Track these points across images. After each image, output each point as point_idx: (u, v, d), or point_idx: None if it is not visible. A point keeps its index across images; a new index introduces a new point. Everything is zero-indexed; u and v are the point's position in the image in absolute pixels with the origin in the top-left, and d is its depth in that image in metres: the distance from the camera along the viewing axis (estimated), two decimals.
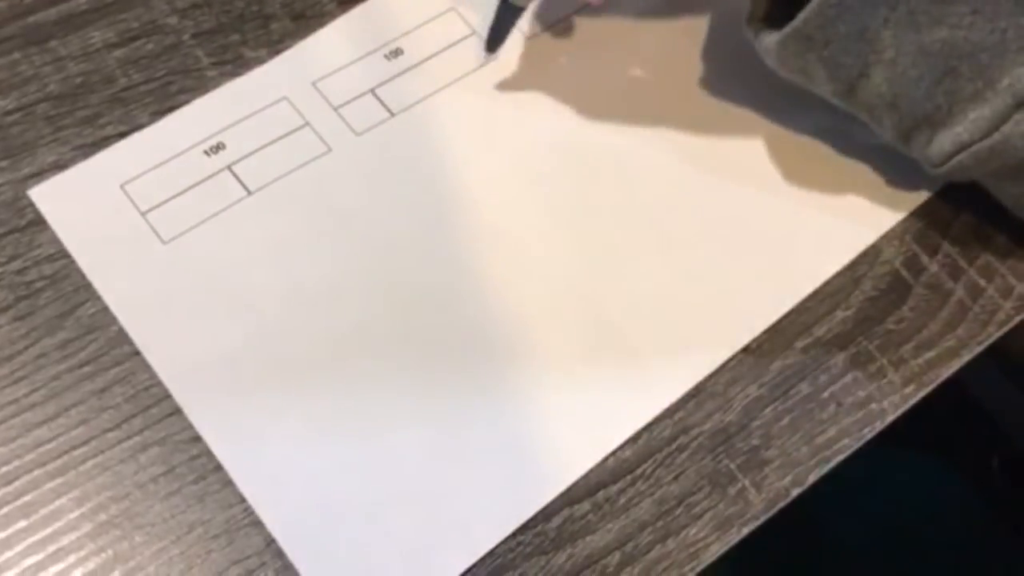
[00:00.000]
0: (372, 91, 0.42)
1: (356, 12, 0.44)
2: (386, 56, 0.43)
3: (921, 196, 0.42)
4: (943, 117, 0.36)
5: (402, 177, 0.41)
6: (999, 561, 0.74)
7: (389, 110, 0.42)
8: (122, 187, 0.39)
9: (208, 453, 0.35)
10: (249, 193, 0.39)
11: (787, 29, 0.36)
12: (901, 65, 0.36)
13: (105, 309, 0.37)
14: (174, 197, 0.39)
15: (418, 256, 0.39)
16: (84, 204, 0.39)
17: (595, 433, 0.36)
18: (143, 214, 0.39)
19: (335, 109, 0.41)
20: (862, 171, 0.42)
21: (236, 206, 0.39)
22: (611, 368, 0.37)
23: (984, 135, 0.35)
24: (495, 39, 0.42)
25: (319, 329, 0.37)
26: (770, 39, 0.37)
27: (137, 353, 0.36)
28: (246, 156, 0.40)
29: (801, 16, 0.36)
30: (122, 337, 0.36)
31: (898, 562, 0.72)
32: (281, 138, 0.41)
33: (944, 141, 0.36)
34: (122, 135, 0.40)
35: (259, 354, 0.37)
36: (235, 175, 0.40)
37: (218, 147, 0.40)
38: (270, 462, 0.35)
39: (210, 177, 0.40)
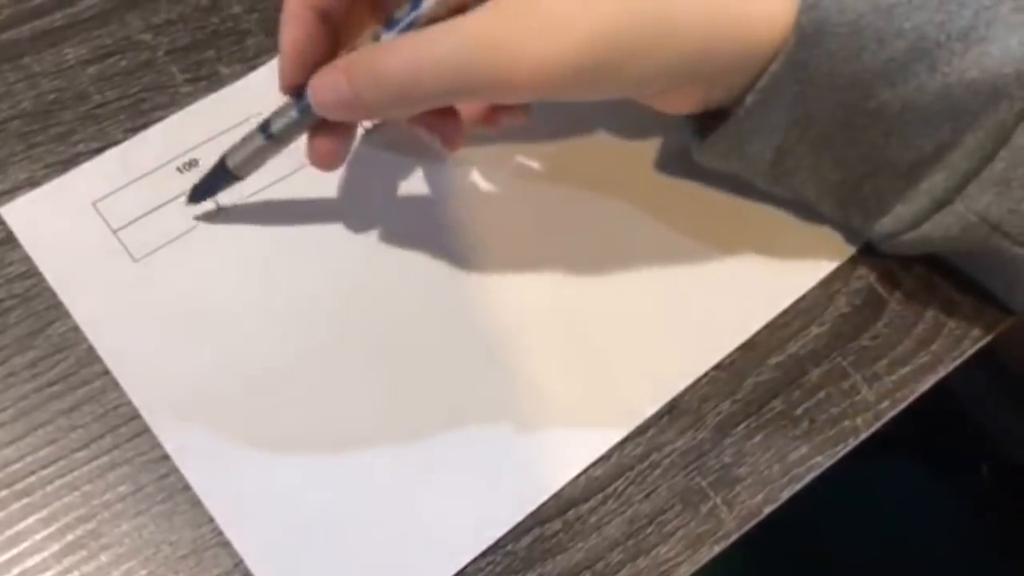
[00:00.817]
0: None
1: None
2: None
3: None
4: (872, 207, 0.37)
5: (376, 190, 0.40)
6: (989, 569, 0.73)
7: (362, 124, 0.42)
8: (94, 204, 0.39)
9: (176, 472, 0.35)
10: (221, 209, 0.39)
11: (704, 144, 0.37)
12: (822, 170, 0.37)
13: (75, 328, 0.37)
14: (146, 215, 0.39)
15: (391, 272, 0.39)
16: (56, 222, 0.39)
17: (566, 451, 0.36)
18: (115, 232, 0.39)
19: None
20: None
21: (208, 224, 0.39)
22: (583, 385, 0.37)
23: (908, 228, 0.36)
24: (201, 192, 0.39)
25: (290, 347, 0.37)
26: (691, 143, 0.38)
27: (107, 372, 0.36)
28: None
29: (710, 139, 0.36)
30: (92, 356, 0.36)
31: (887, 571, 0.72)
32: None
33: (878, 227, 0.37)
34: (95, 152, 0.40)
35: (229, 373, 0.37)
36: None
37: (191, 164, 0.40)
38: (238, 482, 0.35)
39: (182, 194, 0.39)
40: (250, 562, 0.33)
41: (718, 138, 0.36)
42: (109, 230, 0.39)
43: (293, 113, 0.35)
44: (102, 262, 0.38)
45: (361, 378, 0.37)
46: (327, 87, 0.33)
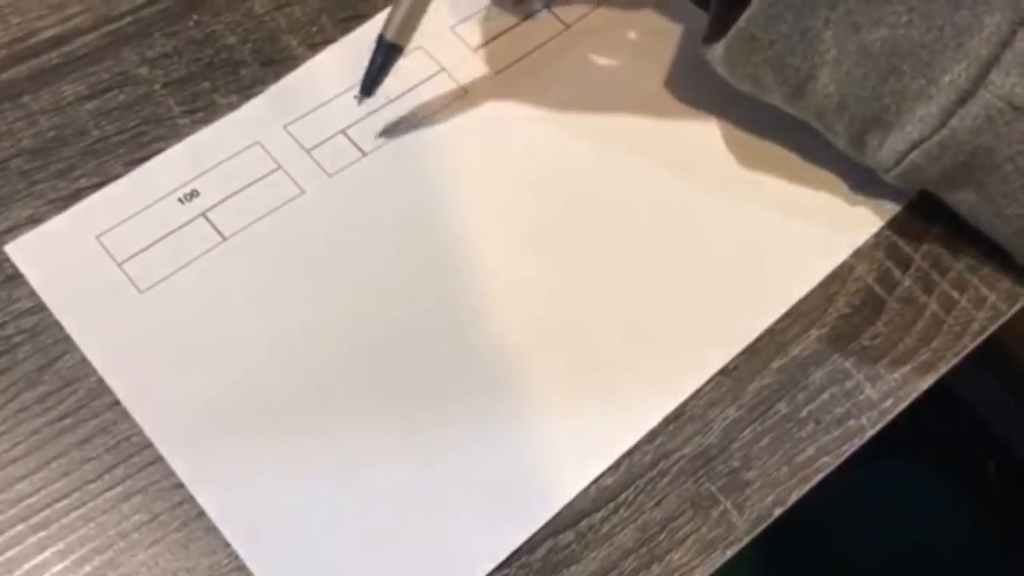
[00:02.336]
0: (343, 131, 0.42)
1: (325, 54, 0.44)
2: (356, 96, 0.43)
3: (891, 210, 0.42)
4: (892, 117, 0.37)
5: (376, 215, 0.41)
6: (997, 567, 0.74)
7: (361, 150, 0.42)
8: (98, 238, 0.39)
9: (191, 500, 0.35)
10: (224, 239, 0.40)
11: (732, 31, 0.37)
12: (845, 65, 0.36)
13: (84, 361, 0.37)
14: (150, 246, 0.39)
15: (395, 293, 0.39)
16: (61, 257, 0.39)
17: (577, 462, 0.37)
18: (119, 264, 0.39)
19: (307, 151, 0.42)
20: (831, 189, 0.42)
21: (212, 252, 0.40)
22: (589, 396, 0.38)
23: (932, 131, 0.36)
24: (372, 81, 0.41)
25: (298, 371, 0.37)
26: (718, 47, 0.38)
27: (117, 403, 0.36)
28: (220, 202, 0.40)
29: (744, 16, 0.37)
30: (102, 388, 0.37)
31: (896, 570, 0.72)
32: (254, 182, 0.41)
33: (896, 141, 0.37)
34: (96, 187, 0.41)
35: (239, 399, 0.37)
36: (210, 221, 0.40)
37: (192, 194, 0.41)
38: (253, 507, 0.35)
39: (185, 225, 0.40)
40: None
41: (752, 16, 0.36)
42: (114, 263, 0.39)
43: None
44: (108, 295, 0.38)
45: (369, 398, 0.37)
46: None
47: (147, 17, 0.45)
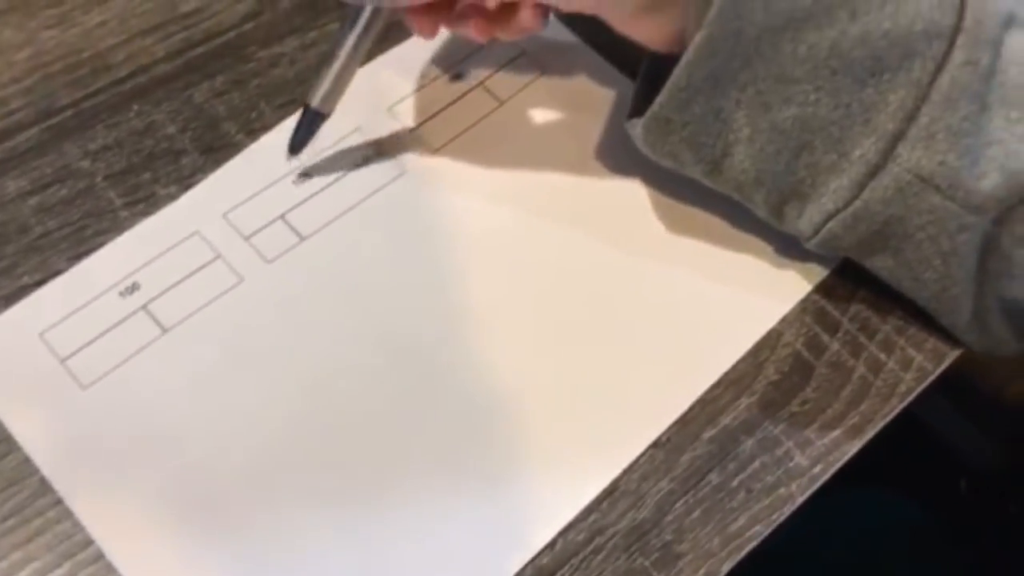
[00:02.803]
0: (282, 217, 0.43)
1: (263, 141, 0.45)
2: (294, 181, 0.44)
3: (819, 275, 0.43)
4: (807, 189, 0.38)
5: (314, 299, 0.42)
6: None
7: (299, 234, 0.43)
8: (41, 335, 0.40)
9: None
10: (164, 331, 0.41)
11: (647, 114, 0.38)
12: (758, 143, 0.38)
13: (27, 460, 0.38)
14: (92, 341, 0.40)
15: (336, 374, 0.40)
16: (3, 356, 0.40)
17: (514, 543, 0.37)
18: (62, 361, 0.40)
19: (246, 239, 0.43)
20: (758, 255, 0.43)
21: (153, 345, 0.40)
22: (528, 475, 0.39)
23: (846, 203, 0.38)
24: (298, 143, 0.43)
25: (241, 460, 0.38)
26: (638, 125, 0.39)
27: (60, 502, 0.37)
28: (160, 294, 0.41)
29: (657, 101, 0.38)
30: (45, 487, 0.37)
31: None
32: (194, 273, 0.42)
33: (812, 212, 0.39)
34: (39, 283, 0.41)
35: (182, 493, 0.38)
36: (150, 314, 0.41)
37: (133, 287, 0.41)
38: None
39: (126, 319, 0.41)
40: None
41: (664, 101, 0.38)
42: (56, 359, 0.40)
43: (348, 27, 0.40)
44: (51, 391, 0.39)
45: (314, 483, 0.38)
46: None
47: (88, 109, 0.46)
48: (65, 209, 0.43)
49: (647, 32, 0.39)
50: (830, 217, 0.38)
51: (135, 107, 0.46)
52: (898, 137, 0.36)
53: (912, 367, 0.42)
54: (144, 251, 0.42)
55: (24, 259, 0.42)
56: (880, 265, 0.40)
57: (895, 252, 0.39)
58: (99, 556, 0.36)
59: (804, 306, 0.43)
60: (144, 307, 0.41)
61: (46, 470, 0.38)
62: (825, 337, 0.42)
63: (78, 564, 0.36)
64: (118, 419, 0.39)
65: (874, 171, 0.37)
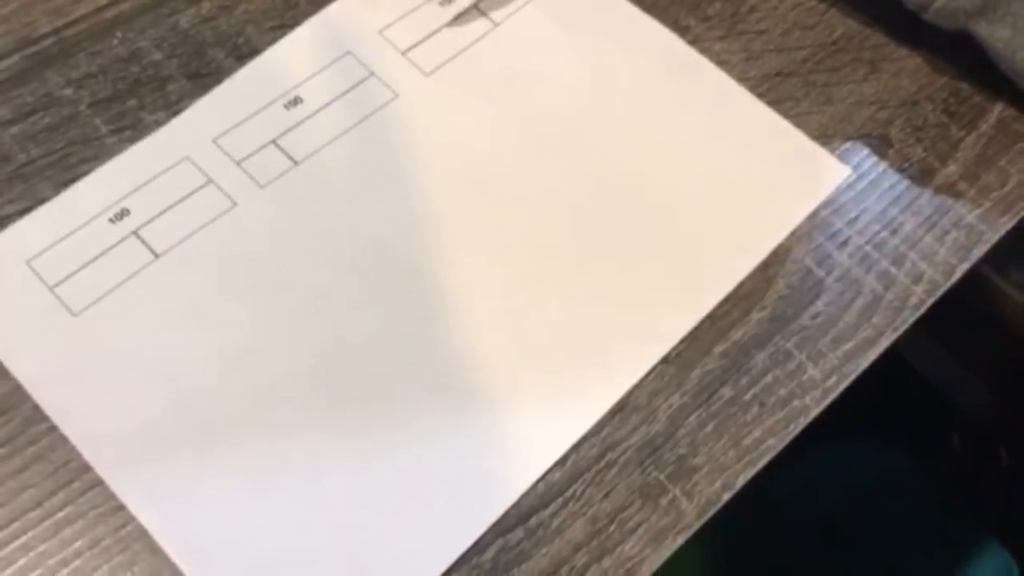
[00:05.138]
0: (274, 142, 0.42)
1: (252, 65, 0.44)
2: (285, 106, 0.43)
3: (826, 190, 0.42)
4: None
5: (309, 224, 0.41)
6: (964, 539, 0.74)
7: (292, 159, 0.42)
8: (28, 263, 0.39)
9: (133, 522, 0.35)
10: (157, 256, 0.39)
11: None
12: None
13: (18, 388, 0.37)
14: (82, 268, 0.39)
15: (332, 300, 0.39)
16: None
17: (522, 459, 0.36)
18: (51, 288, 0.38)
19: (237, 163, 0.41)
20: (765, 173, 0.43)
21: (145, 271, 0.39)
22: (534, 393, 0.38)
23: None
24: None
25: (237, 386, 0.37)
26: None
27: (54, 429, 0.36)
28: (151, 220, 0.40)
29: None
30: (38, 415, 0.36)
31: (862, 552, 0.72)
32: (185, 198, 0.41)
33: None
34: (25, 211, 0.40)
35: (179, 417, 0.36)
36: (141, 239, 0.40)
37: (123, 213, 0.40)
38: (198, 525, 0.35)
39: (116, 244, 0.39)
40: None
41: None
42: (46, 287, 0.38)
43: None
44: (42, 319, 0.38)
45: (311, 410, 0.37)
46: None
47: (70, 37, 0.44)
48: (49, 137, 0.42)
49: None
50: None
51: (118, 34, 0.45)
52: None
53: (923, 280, 0.41)
54: (133, 177, 0.41)
55: (8, 188, 0.41)
56: (997, 36, 0.40)
57: (1015, 18, 0.40)
58: (95, 483, 0.35)
59: (813, 221, 0.42)
60: (135, 232, 0.40)
61: (39, 397, 0.36)
62: (834, 252, 0.41)
63: (74, 491, 0.35)
64: (110, 346, 0.38)
65: None
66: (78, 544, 0.34)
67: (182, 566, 0.34)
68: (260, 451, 0.36)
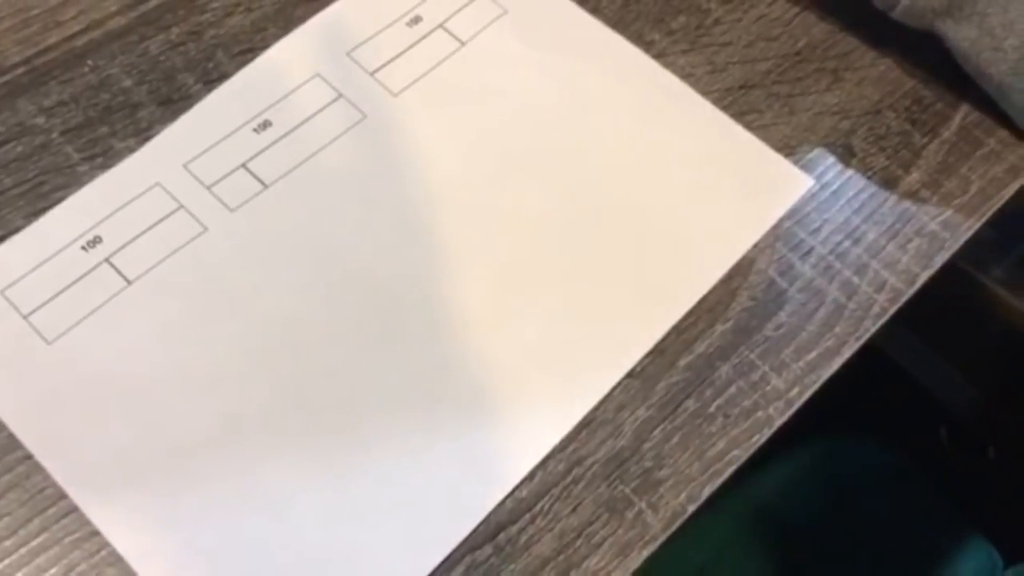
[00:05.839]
0: (243, 165, 0.43)
1: (221, 90, 0.45)
2: (255, 129, 0.44)
3: (789, 201, 0.43)
4: None
5: (279, 246, 0.41)
6: (948, 534, 0.74)
7: (262, 182, 0.42)
8: (2, 293, 0.39)
9: (108, 548, 0.35)
10: (129, 283, 0.40)
11: None
12: None
13: None
14: (55, 296, 0.39)
15: (303, 322, 0.40)
16: None
17: (493, 475, 0.37)
18: (25, 317, 0.39)
19: (208, 188, 0.42)
20: (729, 186, 0.43)
21: (117, 297, 0.40)
22: (503, 409, 0.38)
23: None
24: None
25: (208, 410, 0.38)
26: None
27: (29, 457, 0.36)
28: (123, 246, 0.41)
29: None
30: (12, 443, 0.37)
31: (849, 549, 0.73)
32: (156, 224, 0.41)
33: None
34: None
35: (152, 443, 0.37)
36: (113, 267, 0.40)
37: (95, 241, 0.41)
38: (172, 549, 0.35)
39: (89, 272, 0.40)
40: None
41: None
42: (20, 316, 0.39)
43: None
44: (16, 348, 0.38)
45: (284, 429, 0.37)
46: None
47: (41, 66, 0.45)
48: (21, 166, 0.42)
49: None
50: None
51: (89, 62, 0.45)
52: None
53: (885, 288, 0.42)
54: (104, 204, 0.41)
55: None
56: (963, 36, 0.41)
57: (981, 18, 0.40)
58: (71, 510, 0.36)
59: (776, 232, 0.42)
60: (107, 259, 0.40)
61: (14, 426, 0.37)
62: (797, 262, 0.42)
63: (49, 518, 0.36)
64: (84, 373, 0.38)
65: None
66: (54, 570, 0.35)
67: None
68: (236, 476, 0.37)
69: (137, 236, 0.41)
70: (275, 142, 0.43)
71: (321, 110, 0.44)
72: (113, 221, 0.41)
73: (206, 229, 0.41)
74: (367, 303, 0.40)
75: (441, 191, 0.43)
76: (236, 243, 0.41)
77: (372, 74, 0.45)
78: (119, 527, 0.36)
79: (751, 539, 0.69)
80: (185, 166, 0.42)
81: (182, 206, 0.41)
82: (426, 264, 0.41)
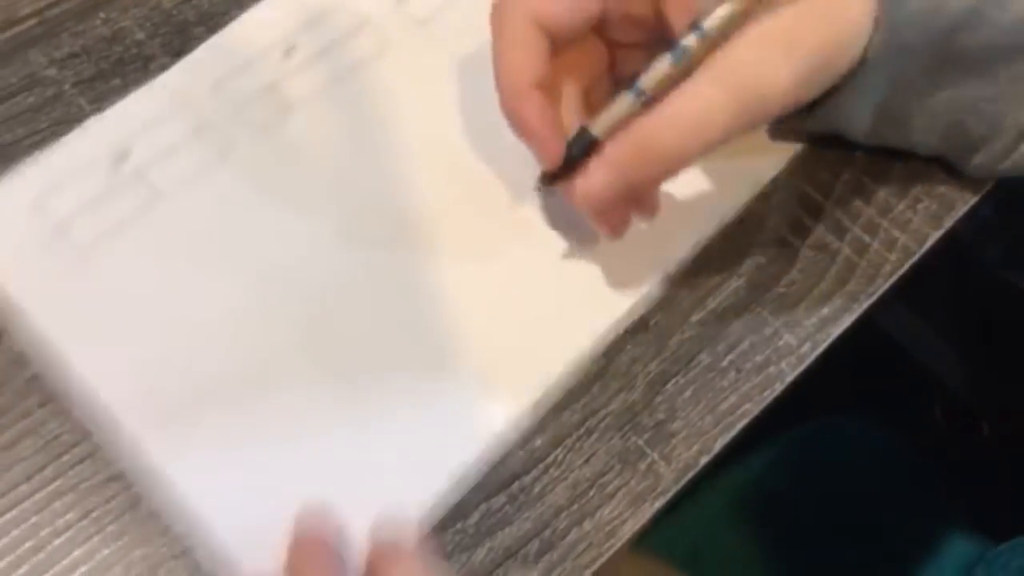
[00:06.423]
0: (270, 86, 0.43)
1: (255, 10, 0.45)
2: (284, 52, 0.44)
3: (800, 159, 0.43)
4: (959, 157, 0.40)
5: (306, 166, 0.41)
6: (943, 511, 0.75)
7: (289, 104, 0.43)
8: (32, 207, 0.39)
9: (124, 493, 0.35)
10: (161, 196, 0.40)
11: (800, 125, 0.39)
12: (916, 120, 0.39)
13: (10, 362, 0.37)
14: (86, 209, 0.40)
15: (334, 241, 0.40)
16: None
17: (505, 395, 0.37)
18: (56, 230, 0.39)
19: (235, 107, 0.42)
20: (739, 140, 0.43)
21: (150, 211, 0.40)
22: (505, 345, 0.38)
23: (1000, 160, 0.39)
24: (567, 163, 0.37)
25: (241, 328, 0.38)
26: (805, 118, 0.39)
27: (44, 404, 0.37)
28: (153, 161, 0.41)
29: (807, 121, 0.38)
30: (29, 388, 0.37)
31: (843, 528, 0.73)
32: (186, 142, 0.41)
33: (973, 164, 0.40)
34: None
35: (174, 360, 0.37)
36: (144, 180, 0.40)
37: (124, 155, 0.41)
38: (198, 459, 0.36)
39: (120, 186, 0.40)
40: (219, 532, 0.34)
41: (829, 106, 0.37)
42: (50, 229, 0.39)
43: (664, 64, 0.34)
44: (50, 260, 0.39)
45: (311, 352, 0.38)
46: (599, 188, 0.35)
47: (52, 18, 0.45)
48: (33, 117, 0.42)
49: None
50: (990, 168, 0.40)
51: (101, 14, 0.45)
52: None
53: (896, 247, 0.42)
54: (133, 122, 0.41)
55: None
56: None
57: None
58: (86, 455, 0.36)
59: (787, 190, 0.43)
60: (137, 173, 0.40)
61: (53, 338, 0.37)
62: (809, 221, 0.42)
63: (64, 464, 0.36)
64: (118, 284, 0.38)
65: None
66: (69, 515, 0.35)
67: (189, 501, 0.35)
68: (259, 400, 0.37)
69: (167, 153, 0.41)
70: (302, 66, 0.43)
71: (350, 35, 0.44)
72: (142, 138, 0.41)
73: (235, 148, 0.41)
74: (402, 221, 0.40)
75: (468, 120, 0.43)
76: (264, 162, 0.41)
77: (399, 1, 0.45)
78: (148, 433, 0.36)
79: (745, 515, 0.69)
80: (212, 87, 0.42)
81: (209, 125, 0.42)
82: (457, 188, 0.41)
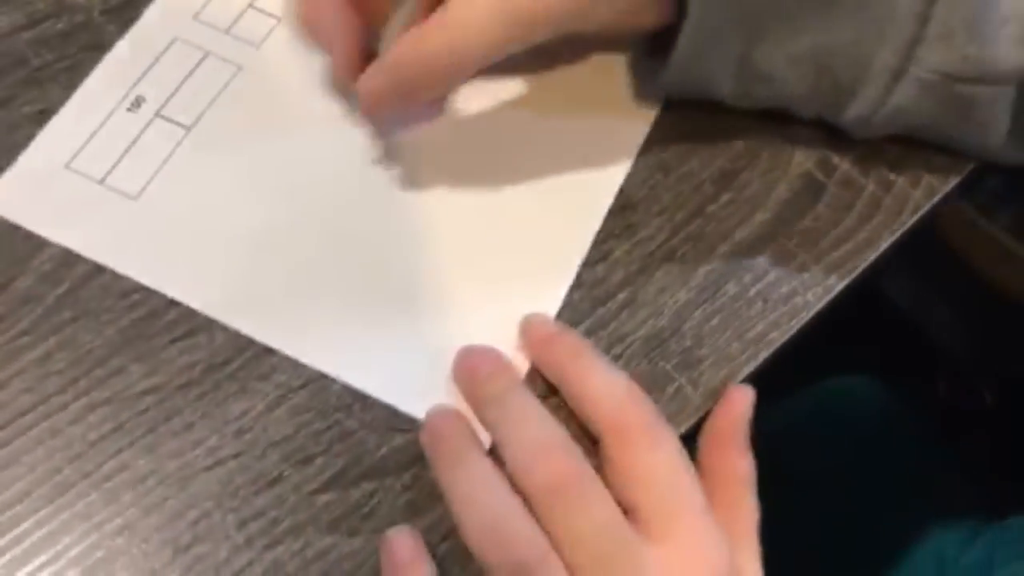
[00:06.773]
0: (251, 5, 0.43)
1: None
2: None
3: None
4: (832, 109, 0.39)
5: (312, 69, 0.42)
6: (947, 480, 0.75)
7: (274, 15, 0.43)
8: (67, 167, 0.40)
9: (157, 406, 0.36)
10: (188, 130, 0.40)
11: (660, 80, 0.39)
12: (781, 70, 0.38)
13: (40, 279, 0.37)
14: (121, 158, 0.40)
15: (353, 141, 0.41)
16: (39, 194, 0.39)
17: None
18: (100, 182, 0.39)
19: (226, 31, 0.43)
20: None
21: (182, 144, 0.40)
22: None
23: (878, 107, 0.39)
24: None
25: (311, 219, 0.39)
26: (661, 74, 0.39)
27: (76, 319, 0.37)
28: (168, 100, 0.41)
29: (664, 75, 0.38)
30: (61, 304, 0.37)
31: (852, 488, 0.74)
32: (191, 74, 0.42)
33: (850, 114, 0.39)
34: (39, 114, 0.41)
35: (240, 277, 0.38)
36: (166, 119, 0.41)
37: (139, 101, 0.41)
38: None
39: (145, 129, 0.40)
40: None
41: (671, 72, 0.38)
42: (95, 182, 0.39)
43: None
44: (106, 211, 0.39)
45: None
46: (373, 87, 0.37)
47: None
48: (62, 42, 0.42)
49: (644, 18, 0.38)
50: (867, 119, 0.39)
51: None
52: (915, 42, 0.37)
53: (921, 184, 0.42)
54: (133, 67, 0.42)
55: (24, 90, 0.41)
56: (920, 136, 0.41)
57: (936, 131, 0.40)
58: (120, 369, 0.36)
59: (814, 128, 0.43)
60: (158, 114, 0.41)
61: (144, 279, 0.38)
62: (835, 158, 0.42)
63: (95, 378, 0.36)
64: (177, 217, 0.39)
65: (897, 77, 0.37)
66: (102, 427, 0.35)
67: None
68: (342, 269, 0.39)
69: (178, 88, 0.41)
70: None
71: None
72: (148, 80, 0.41)
73: (240, 68, 0.42)
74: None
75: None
76: (273, 73, 0.42)
77: None
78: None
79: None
80: (195, 18, 0.43)
81: (209, 52, 0.42)
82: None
